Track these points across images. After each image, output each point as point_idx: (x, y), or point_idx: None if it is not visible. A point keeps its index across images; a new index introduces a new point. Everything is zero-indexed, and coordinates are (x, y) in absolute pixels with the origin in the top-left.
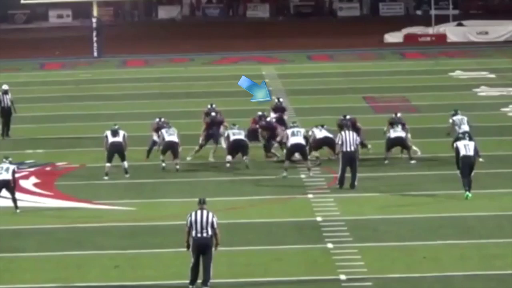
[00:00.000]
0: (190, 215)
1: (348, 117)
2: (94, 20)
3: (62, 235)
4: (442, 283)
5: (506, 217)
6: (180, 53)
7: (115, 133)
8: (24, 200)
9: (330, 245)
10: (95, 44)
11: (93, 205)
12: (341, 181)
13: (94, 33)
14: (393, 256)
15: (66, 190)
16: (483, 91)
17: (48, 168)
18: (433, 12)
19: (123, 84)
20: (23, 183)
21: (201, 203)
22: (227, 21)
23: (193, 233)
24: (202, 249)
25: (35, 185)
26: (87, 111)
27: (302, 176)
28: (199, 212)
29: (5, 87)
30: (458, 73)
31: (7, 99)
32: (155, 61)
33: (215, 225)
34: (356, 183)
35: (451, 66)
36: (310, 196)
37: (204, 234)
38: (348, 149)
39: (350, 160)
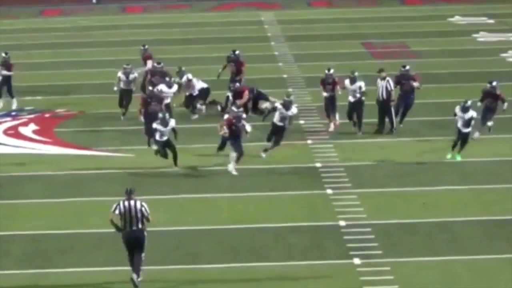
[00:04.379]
0: (118, 205)
1: (331, 71)
2: None
3: (62, 182)
4: (441, 229)
5: (504, 163)
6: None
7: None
8: (24, 147)
9: (329, 191)
10: None
11: (93, 152)
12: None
13: None
14: (392, 202)
15: (65, 137)
16: (482, 36)
17: (47, 115)
18: None
19: (122, 31)
20: (22, 130)
21: (129, 193)
22: None
23: (123, 225)
24: (133, 242)
25: (34, 132)
26: (86, 58)
27: (301, 122)
28: (126, 203)
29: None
30: (457, 19)
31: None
32: (153, 7)
33: (146, 215)
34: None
35: (450, 11)
36: (309, 142)
37: (134, 227)
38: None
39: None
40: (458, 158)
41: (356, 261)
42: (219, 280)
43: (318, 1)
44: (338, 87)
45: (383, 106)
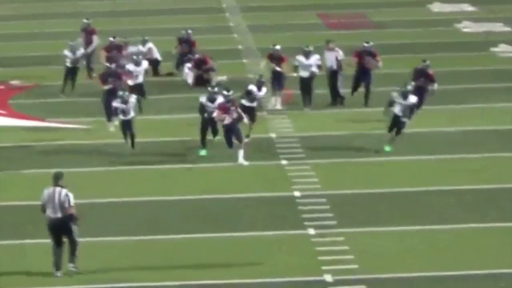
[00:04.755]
0: (44, 192)
1: (278, 47)
2: None
3: (16, 154)
4: (397, 198)
5: (460, 133)
6: None
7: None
8: None
9: (284, 162)
10: None
11: (47, 124)
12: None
13: None
14: (347, 172)
15: (20, 108)
16: (437, 7)
17: (1, 87)
18: None
19: (78, 2)
20: None
21: (56, 179)
22: None
23: (47, 211)
24: (56, 230)
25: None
26: (38, 30)
27: None
28: (51, 189)
29: None
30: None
31: None
32: None
33: (69, 204)
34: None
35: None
36: (264, 113)
37: (58, 215)
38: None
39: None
40: (387, 149)
41: (311, 231)
42: (180, 250)
43: None
44: (285, 62)
45: (333, 77)
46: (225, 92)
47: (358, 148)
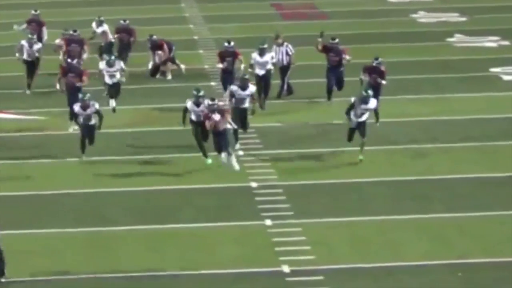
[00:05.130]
0: None
1: (232, 43)
2: None
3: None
4: (351, 189)
5: (412, 123)
6: None
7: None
8: None
9: (240, 153)
10: None
11: (3, 115)
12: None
13: None
14: (303, 163)
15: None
16: (419, 16)
17: None
18: None
19: None
20: None
21: None
22: None
23: None
24: None
25: None
26: None
27: (212, 83)
28: None
29: None
30: None
31: None
32: None
33: None
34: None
35: None
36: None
37: None
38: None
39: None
40: (360, 158)
41: (268, 222)
42: (126, 242)
43: None
44: (239, 58)
45: (284, 71)
46: (209, 102)
47: (314, 138)
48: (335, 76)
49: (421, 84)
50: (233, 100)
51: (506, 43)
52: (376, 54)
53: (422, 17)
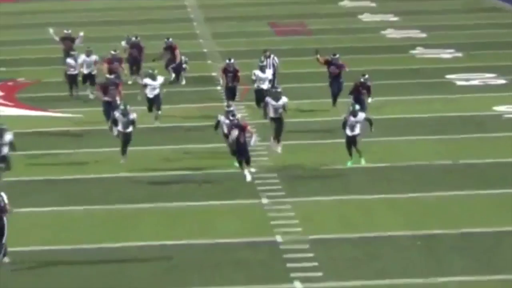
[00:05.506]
0: None
1: (232, 61)
2: None
3: (24, 139)
4: (337, 173)
5: (404, 119)
6: None
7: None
8: None
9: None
10: None
11: (48, 113)
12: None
13: None
14: (298, 154)
15: (25, 101)
16: (366, 17)
17: (10, 83)
18: None
19: (67, 14)
20: None
21: None
22: None
23: None
24: None
25: (0, 97)
26: (36, 37)
27: (218, 88)
28: None
29: None
30: (345, 3)
31: None
32: None
33: (2, 205)
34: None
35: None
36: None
37: None
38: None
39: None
40: (363, 162)
41: (264, 200)
42: (138, 220)
43: None
44: (237, 74)
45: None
46: (230, 117)
47: (307, 130)
48: (336, 85)
49: (389, 88)
50: (270, 109)
51: (459, 54)
52: (353, 65)
53: (390, 33)
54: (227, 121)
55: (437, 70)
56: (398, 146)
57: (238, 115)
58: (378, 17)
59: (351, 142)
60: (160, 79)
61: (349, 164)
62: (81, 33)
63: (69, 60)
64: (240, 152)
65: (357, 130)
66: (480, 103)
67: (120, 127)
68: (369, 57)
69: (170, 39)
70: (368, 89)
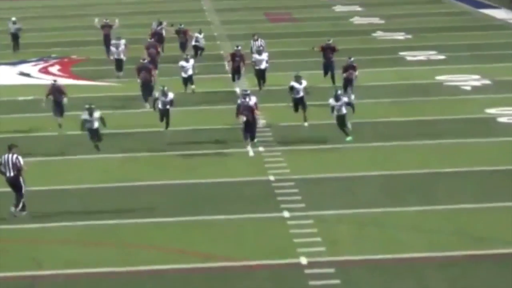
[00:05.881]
0: (2, 157)
1: (239, 47)
2: None
3: (76, 103)
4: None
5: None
6: None
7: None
8: (46, 81)
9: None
10: None
11: (96, 83)
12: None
13: None
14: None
15: (78, 73)
16: (338, 8)
17: (66, 60)
18: None
19: (98, 7)
20: (51, 69)
21: (9, 148)
22: None
23: (4, 172)
24: (10, 184)
25: (58, 70)
26: (88, 23)
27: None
28: (6, 156)
29: (13, 19)
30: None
31: (15, 28)
32: None
33: (19, 165)
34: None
35: None
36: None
37: (10, 174)
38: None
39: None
40: (348, 139)
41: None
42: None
43: None
44: (243, 58)
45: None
46: (241, 99)
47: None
48: (330, 67)
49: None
50: (293, 91)
51: (409, 36)
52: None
53: (357, 20)
54: (246, 101)
55: (392, 48)
56: (367, 107)
57: (253, 98)
58: (346, 8)
59: (340, 122)
60: (191, 61)
61: (347, 139)
62: (117, 21)
63: (112, 48)
64: (247, 129)
65: (343, 111)
66: (425, 74)
67: (160, 105)
68: (340, 39)
69: (182, 25)
70: (354, 68)
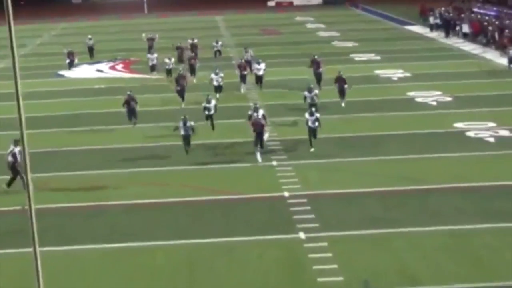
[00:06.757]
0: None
1: (244, 58)
2: None
3: (137, 91)
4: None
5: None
6: (179, 11)
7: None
8: (116, 75)
9: (274, 163)
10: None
11: (145, 75)
12: None
13: None
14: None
15: (134, 69)
16: (321, 33)
17: (126, 60)
18: None
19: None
20: (117, 67)
21: (16, 142)
22: None
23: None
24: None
25: (122, 67)
26: (137, 36)
27: (236, 72)
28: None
29: (89, 36)
30: (298, 19)
31: (90, 43)
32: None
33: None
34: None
35: (295, 15)
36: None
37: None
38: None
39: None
40: (312, 150)
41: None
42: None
43: (239, 11)
44: (247, 68)
45: (249, 65)
46: (255, 113)
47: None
48: (319, 75)
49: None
50: (306, 100)
51: (356, 44)
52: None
53: (337, 44)
54: (256, 114)
55: (345, 52)
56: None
57: (261, 111)
58: (314, 25)
59: (312, 132)
60: (221, 73)
61: (311, 150)
62: (157, 35)
63: (166, 60)
64: (258, 138)
65: (316, 124)
66: (367, 69)
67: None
68: (309, 46)
69: (196, 40)
70: (344, 80)
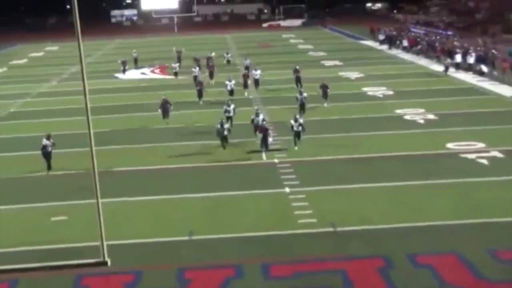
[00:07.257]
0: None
1: (247, 70)
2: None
3: (169, 90)
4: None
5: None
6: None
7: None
8: (154, 77)
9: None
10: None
11: (175, 77)
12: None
13: None
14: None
15: (168, 73)
16: (301, 46)
17: (162, 66)
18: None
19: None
20: (156, 71)
21: (48, 136)
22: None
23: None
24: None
25: (159, 71)
26: (163, 48)
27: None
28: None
29: (134, 50)
30: (284, 36)
31: (135, 55)
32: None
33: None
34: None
35: (282, 33)
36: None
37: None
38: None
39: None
40: (296, 148)
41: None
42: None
43: (241, 32)
44: (248, 75)
45: (248, 71)
46: (259, 119)
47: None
48: (299, 79)
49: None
50: (299, 101)
51: (325, 54)
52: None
53: (311, 54)
54: (257, 118)
55: (317, 59)
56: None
57: (261, 115)
58: (296, 40)
59: (296, 135)
60: (233, 80)
61: (296, 149)
62: (183, 49)
63: (193, 69)
64: (263, 142)
65: (299, 128)
66: (333, 72)
67: (226, 114)
68: (289, 55)
69: (213, 53)
70: (327, 86)
